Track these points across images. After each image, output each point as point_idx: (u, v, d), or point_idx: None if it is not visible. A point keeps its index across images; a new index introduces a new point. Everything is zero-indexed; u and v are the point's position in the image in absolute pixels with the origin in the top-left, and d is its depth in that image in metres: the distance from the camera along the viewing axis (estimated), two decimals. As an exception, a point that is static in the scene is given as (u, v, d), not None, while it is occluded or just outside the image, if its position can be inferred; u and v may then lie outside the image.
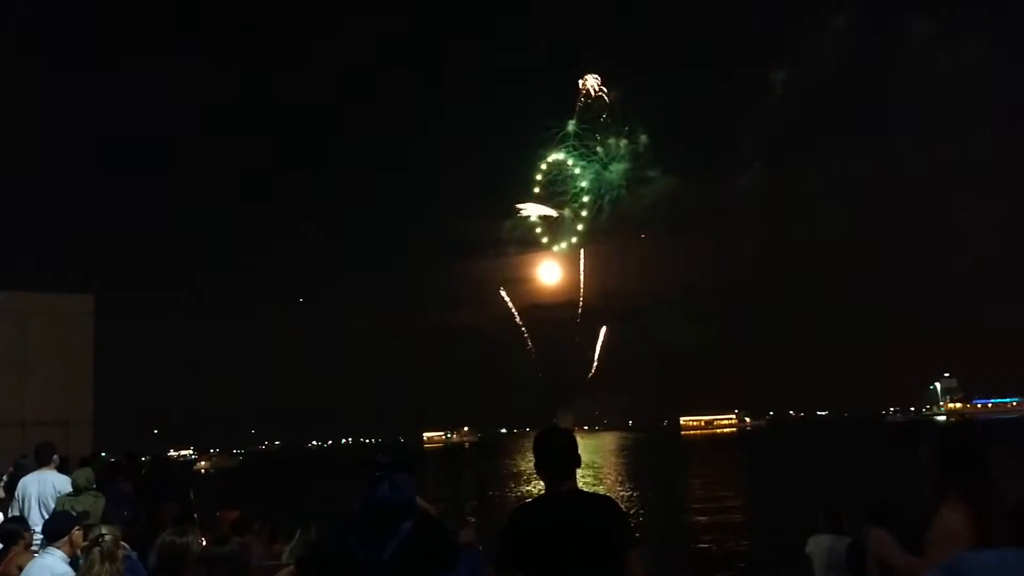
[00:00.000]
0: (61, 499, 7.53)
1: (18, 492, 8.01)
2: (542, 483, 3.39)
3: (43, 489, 7.81)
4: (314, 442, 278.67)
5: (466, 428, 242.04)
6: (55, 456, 8.35)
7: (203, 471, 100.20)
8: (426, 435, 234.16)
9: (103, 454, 12.65)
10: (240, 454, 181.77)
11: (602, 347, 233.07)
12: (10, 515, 7.54)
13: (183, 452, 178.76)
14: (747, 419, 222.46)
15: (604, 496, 3.59)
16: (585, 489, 3.49)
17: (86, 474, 7.80)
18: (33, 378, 14.49)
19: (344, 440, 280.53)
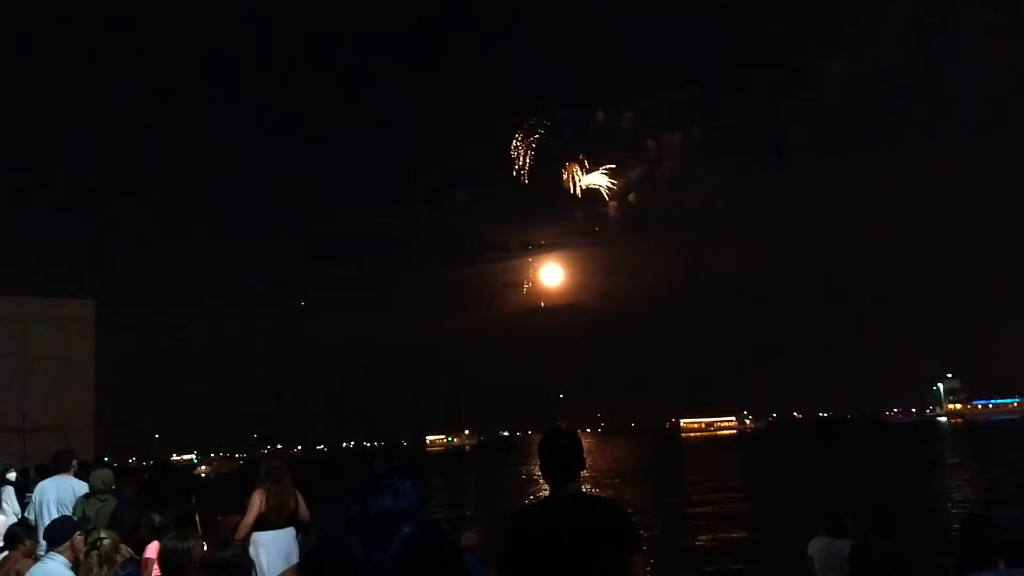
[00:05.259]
0: (78, 501, 7.51)
1: (35, 496, 7.93)
2: (545, 485, 3.38)
3: (62, 495, 7.71)
4: (316, 446, 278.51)
5: (467, 431, 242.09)
6: (74, 461, 8.35)
7: (204, 475, 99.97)
8: (428, 439, 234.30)
9: (106, 458, 12.64)
10: (241, 458, 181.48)
11: (604, 348, 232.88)
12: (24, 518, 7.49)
13: (185, 456, 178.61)
14: (748, 421, 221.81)
15: (607, 499, 3.59)
16: (588, 492, 3.48)
17: (103, 476, 7.78)
18: (34, 383, 14.49)
19: (345, 444, 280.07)
